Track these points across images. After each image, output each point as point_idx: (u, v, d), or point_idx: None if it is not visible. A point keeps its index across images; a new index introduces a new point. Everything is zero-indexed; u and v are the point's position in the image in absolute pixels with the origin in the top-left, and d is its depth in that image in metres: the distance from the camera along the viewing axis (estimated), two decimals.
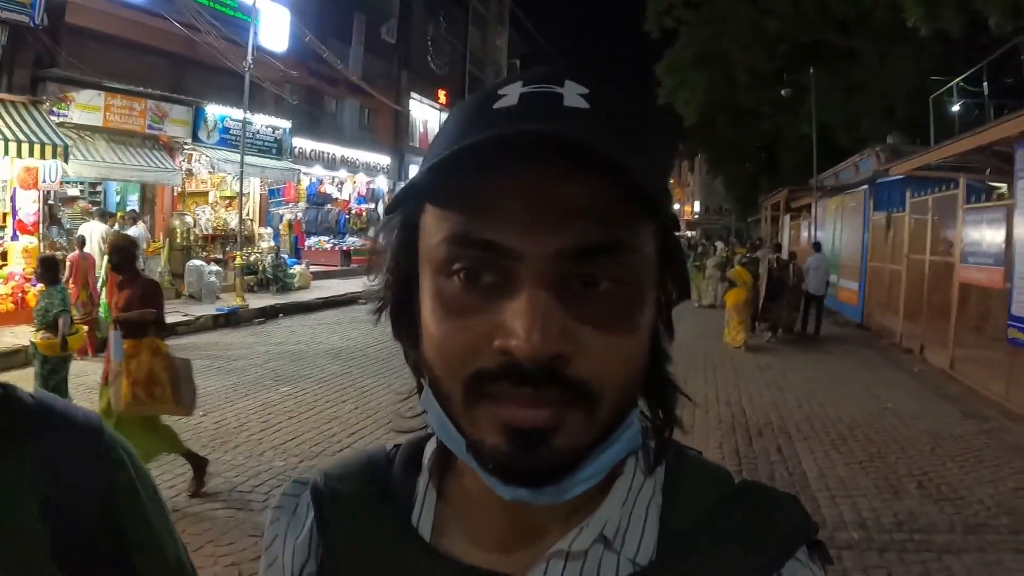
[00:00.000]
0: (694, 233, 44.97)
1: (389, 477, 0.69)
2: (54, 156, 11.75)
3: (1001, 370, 8.76)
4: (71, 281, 9.79)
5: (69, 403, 0.89)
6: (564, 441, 0.52)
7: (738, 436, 7.22)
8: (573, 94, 0.54)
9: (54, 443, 0.83)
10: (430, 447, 0.68)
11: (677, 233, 0.61)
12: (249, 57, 14.63)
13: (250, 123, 16.73)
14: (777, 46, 23.77)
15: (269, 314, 14.64)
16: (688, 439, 0.65)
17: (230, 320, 13.58)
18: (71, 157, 12.25)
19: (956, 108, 17.36)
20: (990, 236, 9.41)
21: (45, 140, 11.70)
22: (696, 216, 68.65)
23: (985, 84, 15.56)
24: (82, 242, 10.76)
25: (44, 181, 12.21)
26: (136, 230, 13.04)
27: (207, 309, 13.73)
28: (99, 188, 16.39)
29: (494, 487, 0.55)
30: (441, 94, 29.80)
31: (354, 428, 6.99)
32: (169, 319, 9.60)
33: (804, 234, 22.93)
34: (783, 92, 23.52)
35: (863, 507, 5.32)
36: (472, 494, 0.62)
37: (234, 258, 15.80)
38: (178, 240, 15.74)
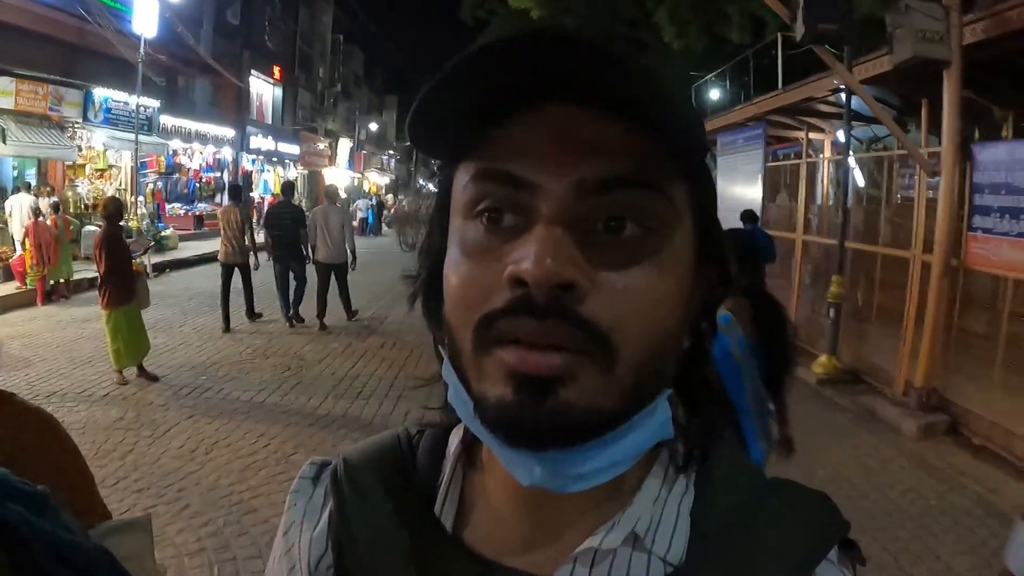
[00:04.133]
0: None
1: (412, 465, 0.68)
2: None
3: None
4: (29, 244, 12.45)
5: None
6: (575, 396, 0.49)
7: None
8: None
9: None
10: (455, 436, 0.67)
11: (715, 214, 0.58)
12: (142, 49, 17.27)
13: (127, 103, 19.32)
14: None
15: (160, 269, 17.38)
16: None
17: None
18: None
19: (714, 95, 22.68)
20: None
21: None
22: None
23: (727, 82, 20.80)
24: (37, 212, 13.07)
25: None
26: (53, 200, 15.49)
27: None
28: None
29: (501, 456, 0.53)
30: (276, 70, 32.29)
31: (267, 325, 10.67)
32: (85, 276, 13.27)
33: None
34: None
35: None
36: (496, 488, 0.61)
37: None
38: (71, 209, 18.07)
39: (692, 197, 0.55)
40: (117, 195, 19.90)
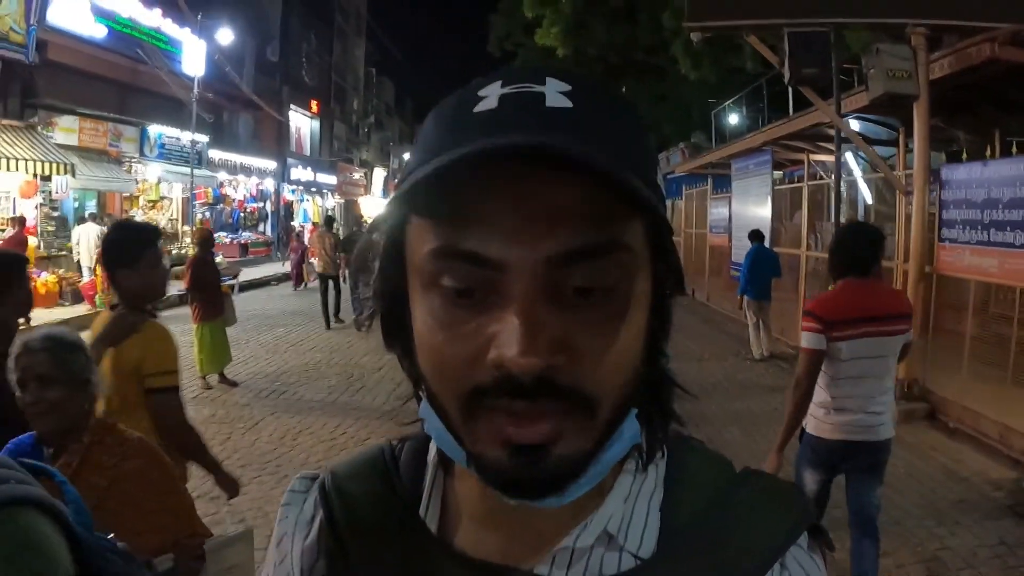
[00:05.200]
0: None
1: (396, 472, 0.70)
2: (64, 172, 15.35)
3: (728, 294, 14.60)
4: (100, 269, 13.73)
5: None
6: (565, 450, 0.52)
7: None
8: (555, 92, 0.53)
9: None
10: (434, 444, 0.66)
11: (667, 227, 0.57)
12: (195, 89, 18.72)
13: (178, 139, 20.83)
14: (596, 66, 29.52)
15: None
16: None
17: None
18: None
19: (733, 120, 23.71)
20: (722, 214, 15.28)
21: (54, 159, 15.11)
22: None
23: (743, 108, 21.89)
24: None
25: (56, 192, 15.91)
26: None
27: (170, 291, 17.52)
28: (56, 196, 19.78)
29: (497, 494, 0.55)
30: (313, 104, 33.88)
31: (327, 341, 11.94)
32: None
33: None
34: None
35: None
36: (476, 492, 0.62)
37: (169, 252, 19.73)
38: None
39: (648, 229, 0.55)
40: (170, 224, 21.48)
